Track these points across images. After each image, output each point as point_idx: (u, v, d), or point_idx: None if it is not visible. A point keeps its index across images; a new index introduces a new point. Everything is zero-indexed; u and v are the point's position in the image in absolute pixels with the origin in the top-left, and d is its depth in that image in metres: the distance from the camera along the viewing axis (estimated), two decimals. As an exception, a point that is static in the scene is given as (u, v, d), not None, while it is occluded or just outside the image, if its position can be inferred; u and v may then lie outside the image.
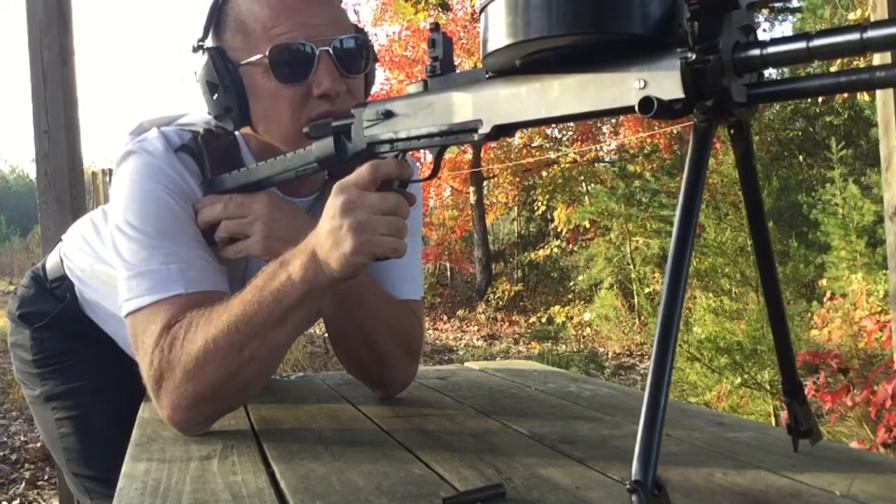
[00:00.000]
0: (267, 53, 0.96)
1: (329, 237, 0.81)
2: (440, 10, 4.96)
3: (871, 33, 0.47)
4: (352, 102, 0.98)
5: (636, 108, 0.56)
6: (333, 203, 0.81)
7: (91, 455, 1.24)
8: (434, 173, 0.84)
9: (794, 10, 11.95)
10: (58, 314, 1.27)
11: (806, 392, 0.74)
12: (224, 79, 0.98)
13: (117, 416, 1.14)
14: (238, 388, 0.90)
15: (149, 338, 0.91)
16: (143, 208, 0.97)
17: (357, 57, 1.01)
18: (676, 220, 0.52)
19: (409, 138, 0.80)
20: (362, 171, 0.81)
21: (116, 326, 1.25)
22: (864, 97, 6.15)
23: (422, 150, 0.83)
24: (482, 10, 0.63)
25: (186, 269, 0.95)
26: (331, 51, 0.97)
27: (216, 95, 0.99)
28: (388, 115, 0.81)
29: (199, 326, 0.88)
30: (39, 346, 1.27)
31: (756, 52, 0.53)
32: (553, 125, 10.13)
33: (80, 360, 1.27)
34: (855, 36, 0.47)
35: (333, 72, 0.97)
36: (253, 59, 0.97)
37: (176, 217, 0.98)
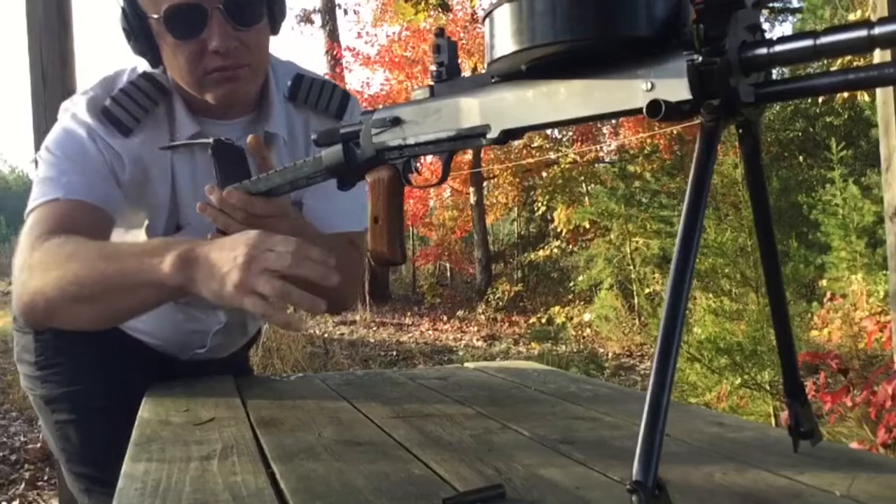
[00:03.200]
0: (162, 13, 1.04)
1: (216, 270, 0.86)
2: (440, 10, 4.97)
3: (878, 30, 0.47)
4: (247, 55, 1.08)
5: (644, 110, 0.56)
6: (239, 242, 0.87)
7: (90, 455, 1.24)
8: (443, 178, 0.85)
9: (794, 11, 11.96)
10: None
11: (806, 392, 0.74)
12: (135, 29, 1.09)
13: (117, 416, 1.15)
14: (70, 317, 1.00)
15: (25, 240, 1.03)
16: (61, 138, 1.11)
17: (252, 7, 1.07)
18: (682, 220, 0.52)
19: (417, 144, 0.81)
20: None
21: None
22: (864, 98, 6.15)
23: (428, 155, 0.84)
24: (486, 16, 0.63)
25: (73, 182, 1.07)
26: (221, 7, 1.03)
27: (131, 42, 1.11)
28: (396, 121, 0.82)
29: (66, 248, 0.98)
30: (42, 348, 1.28)
31: (763, 50, 0.53)
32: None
33: (80, 363, 1.27)
34: (863, 33, 0.47)
35: (225, 27, 1.04)
36: (154, 16, 1.06)
37: (87, 152, 1.10)
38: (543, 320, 9.14)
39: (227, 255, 0.85)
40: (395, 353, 7.25)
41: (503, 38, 0.61)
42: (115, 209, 1.11)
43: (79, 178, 1.08)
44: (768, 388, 3.41)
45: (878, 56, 1.87)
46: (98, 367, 1.26)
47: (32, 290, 0.99)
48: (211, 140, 1.06)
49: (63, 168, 1.08)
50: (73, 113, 1.13)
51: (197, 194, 1.15)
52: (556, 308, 9.22)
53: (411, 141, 0.81)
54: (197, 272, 0.87)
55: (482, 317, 9.79)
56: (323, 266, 0.85)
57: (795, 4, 11.53)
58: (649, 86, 0.57)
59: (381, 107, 0.87)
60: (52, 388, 1.27)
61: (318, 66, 16.32)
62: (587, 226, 9.86)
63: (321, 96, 1.24)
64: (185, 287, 0.89)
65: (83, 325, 1.03)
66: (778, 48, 0.52)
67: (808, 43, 0.50)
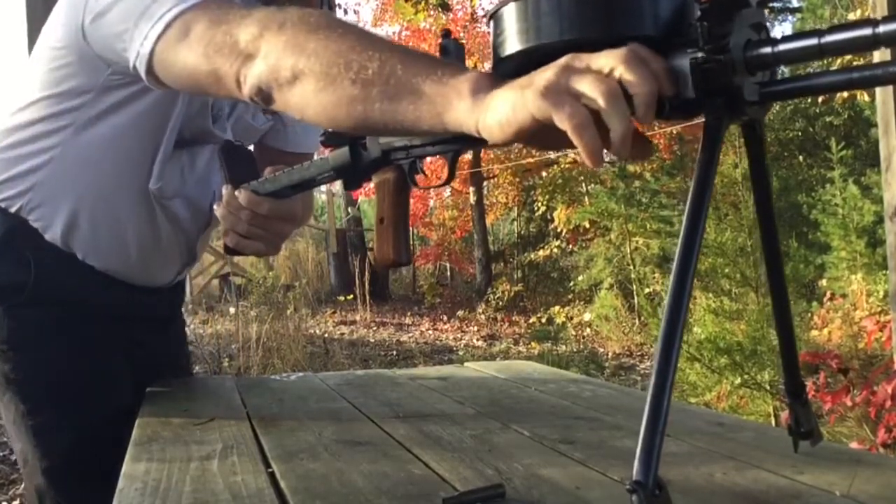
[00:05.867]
0: None
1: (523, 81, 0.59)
2: (440, 10, 4.96)
3: (883, 28, 0.46)
4: None
5: None
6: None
7: (44, 473, 1.10)
8: (450, 179, 0.84)
9: (794, 11, 11.97)
10: (35, 284, 1.10)
11: (807, 392, 0.74)
12: None
13: (75, 438, 1.08)
14: (310, 99, 0.73)
15: (233, 19, 0.79)
16: None
17: None
18: (685, 219, 0.52)
19: (423, 145, 0.81)
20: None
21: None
22: (863, 97, 6.15)
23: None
24: (491, 17, 0.63)
25: None
26: None
27: None
28: None
29: (323, 19, 0.75)
30: (15, 326, 1.11)
31: (768, 49, 0.53)
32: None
33: (53, 364, 1.12)
34: (867, 31, 0.47)
35: None
36: None
37: None
38: (543, 320, 9.14)
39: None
40: (395, 353, 7.25)
41: (509, 38, 0.61)
42: None
43: None
44: (768, 387, 3.41)
45: (878, 56, 1.87)
46: (70, 373, 1.12)
47: (277, 58, 0.74)
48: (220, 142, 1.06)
49: None
50: None
51: None
52: (556, 308, 9.22)
53: (417, 141, 0.81)
54: (498, 87, 0.60)
55: (482, 317, 9.79)
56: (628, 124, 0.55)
57: (795, 4, 11.54)
58: None
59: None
60: (26, 377, 1.10)
61: (317, 65, 16.25)
62: (587, 226, 9.85)
63: None
64: (464, 114, 0.62)
65: (314, 114, 0.76)
66: (782, 47, 0.52)
67: (812, 42, 0.50)
